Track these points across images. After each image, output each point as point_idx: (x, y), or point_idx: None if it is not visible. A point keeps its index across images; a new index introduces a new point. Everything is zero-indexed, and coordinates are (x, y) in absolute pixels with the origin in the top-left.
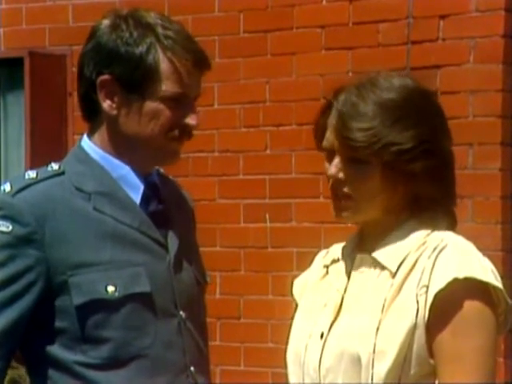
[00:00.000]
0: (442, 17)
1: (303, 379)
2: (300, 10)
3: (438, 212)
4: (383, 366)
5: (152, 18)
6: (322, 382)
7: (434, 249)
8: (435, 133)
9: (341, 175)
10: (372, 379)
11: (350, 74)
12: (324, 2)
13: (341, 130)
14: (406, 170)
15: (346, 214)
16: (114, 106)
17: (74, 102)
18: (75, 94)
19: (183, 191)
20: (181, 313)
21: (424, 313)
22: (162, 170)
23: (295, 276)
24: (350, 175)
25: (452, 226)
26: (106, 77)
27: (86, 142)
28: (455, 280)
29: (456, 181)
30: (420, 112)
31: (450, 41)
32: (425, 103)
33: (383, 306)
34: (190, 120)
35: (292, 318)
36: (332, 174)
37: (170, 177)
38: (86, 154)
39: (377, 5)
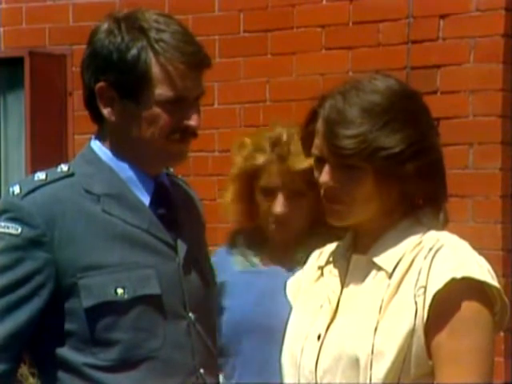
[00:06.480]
0: (442, 16)
1: (299, 380)
2: (300, 10)
3: (430, 209)
4: (382, 367)
5: (147, 20)
6: (318, 383)
7: (430, 249)
8: (424, 132)
9: (333, 182)
10: (370, 380)
11: (350, 73)
12: (324, 2)
13: (329, 137)
14: (398, 173)
15: (340, 219)
16: (114, 112)
17: (74, 101)
18: (75, 93)
19: (191, 191)
20: (190, 314)
21: (423, 314)
22: (171, 170)
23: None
24: (343, 181)
25: (445, 222)
26: (102, 84)
27: (96, 144)
28: (453, 280)
29: (446, 176)
30: (406, 114)
31: (450, 40)
32: (410, 104)
33: (380, 307)
34: (190, 121)
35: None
36: (324, 182)
37: (180, 176)
38: (95, 156)
39: (377, 4)
